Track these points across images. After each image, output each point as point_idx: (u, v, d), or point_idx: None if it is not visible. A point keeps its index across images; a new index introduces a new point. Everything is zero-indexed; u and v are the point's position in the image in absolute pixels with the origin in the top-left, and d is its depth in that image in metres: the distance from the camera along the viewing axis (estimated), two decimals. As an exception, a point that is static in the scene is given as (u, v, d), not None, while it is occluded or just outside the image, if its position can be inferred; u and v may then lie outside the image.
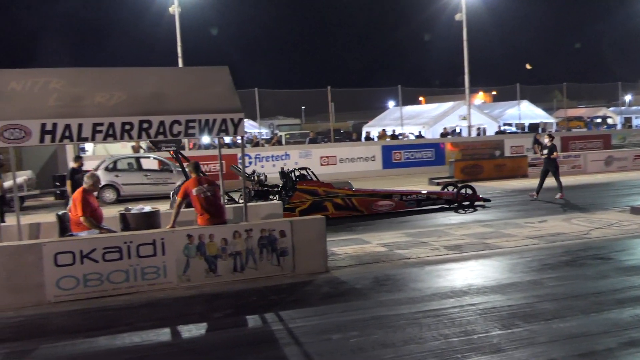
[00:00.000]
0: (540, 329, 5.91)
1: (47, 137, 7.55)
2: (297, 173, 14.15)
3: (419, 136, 31.56)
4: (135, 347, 5.94)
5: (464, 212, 14.00)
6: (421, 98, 50.49)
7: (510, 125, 39.99)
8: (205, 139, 26.44)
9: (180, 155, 12.82)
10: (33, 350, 5.97)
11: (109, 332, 6.33)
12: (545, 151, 15.57)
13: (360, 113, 47.44)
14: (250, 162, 23.55)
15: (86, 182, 8.49)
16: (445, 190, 15.34)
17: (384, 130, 31.43)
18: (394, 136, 30.23)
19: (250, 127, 36.53)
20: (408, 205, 14.11)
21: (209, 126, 8.12)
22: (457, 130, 34.64)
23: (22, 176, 17.63)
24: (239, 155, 21.84)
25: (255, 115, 27.55)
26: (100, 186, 16.80)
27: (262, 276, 8.17)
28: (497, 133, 34.53)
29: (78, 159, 14.89)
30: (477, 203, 14.75)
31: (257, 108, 26.21)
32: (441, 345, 5.56)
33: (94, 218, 8.34)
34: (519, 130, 36.98)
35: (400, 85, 29.83)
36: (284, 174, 14.19)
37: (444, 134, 30.97)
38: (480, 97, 54.85)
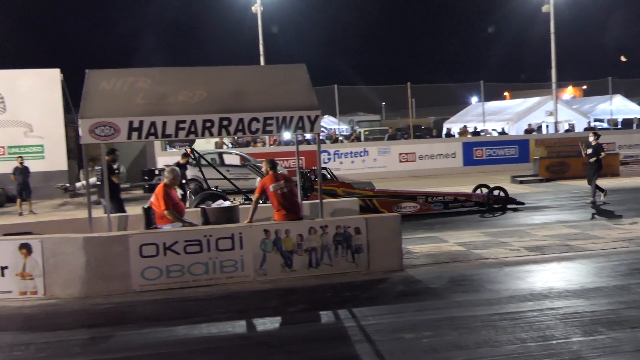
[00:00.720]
0: (625, 337, 5.62)
1: (134, 134, 7.93)
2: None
3: (502, 133, 30.62)
4: (212, 338, 6.15)
5: (491, 215, 13.36)
6: (506, 93, 48.93)
7: (601, 121, 37.98)
8: (286, 135, 26.88)
9: (196, 154, 13.03)
10: (119, 336, 6.31)
11: (188, 322, 6.59)
12: (590, 151, 14.57)
13: (442, 109, 46.57)
14: (329, 159, 23.70)
15: (167, 177, 8.85)
16: (478, 192, 14.46)
17: (465, 126, 30.71)
18: (475, 133, 29.51)
19: (330, 123, 36.77)
20: (433, 207, 13.41)
21: (286, 123, 8.26)
22: (544, 127, 33.32)
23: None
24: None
25: (335, 111, 27.67)
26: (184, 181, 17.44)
27: (336, 272, 8.22)
28: (586, 129, 32.95)
29: (185, 155, 15.75)
30: (509, 206, 13.91)
31: (336, 104, 26.31)
32: (517, 349, 5.40)
33: (175, 211, 8.68)
34: (611, 127, 35.09)
35: (482, 81, 29.06)
36: (302, 174, 14.24)
37: (528, 131, 29.89)
38: (569, 92, 52.40)
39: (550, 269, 8.29)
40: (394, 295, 7.41)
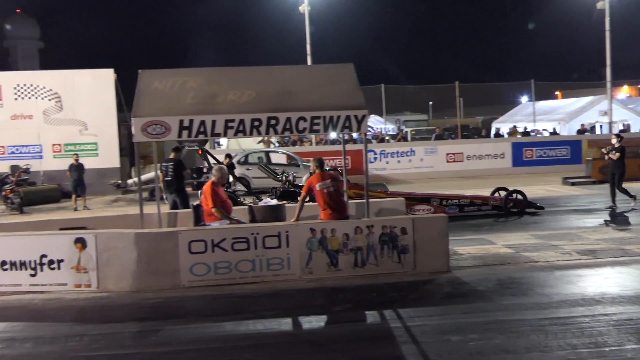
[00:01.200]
0: (683, 346, 5.42)
1: (185, 133, 8.10)
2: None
3: (554, 133, 29.89)
4: (258, 334, 6.22)
5: (505, 219, 12.95)
6: (557, 92, 47.69)
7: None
8: (333, 135, 26.92)
9: (208, 154, 13.15)
10: (168, 330, 6.46)
11: (235, 318, 6.70)
12: (612, 153, 13.92)
13: (490, 108, 45.76)
14: (375, 158, 23.65)
15: (214, 175, 9.00)
16: (496, 195, 13.96)
17: (515, 126, 30.12)
18: (525, 133, 28.89)
19: (376, 122, 36.64)
20: (448, 211, 12.87)
21: (333, 123, 8.29)
22: (597, 127, 32.35)
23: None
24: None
25: (382, 111, 27.57)
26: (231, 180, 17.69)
27: (382, 272, 8.20)
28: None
29: (228, 156, 16.17)
30: (528, 210, 13.42)
31: (383, 104, 26.21)
32: (568, 355, 5.27)
33: (226, 208, 8.82)
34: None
35: (533, 80, 28.46)
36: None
37: (581, 131, 29.09)
38: (624, 91, 50.69)
39: (603, 274, 8.05)
40: (441, 297, 7.34)
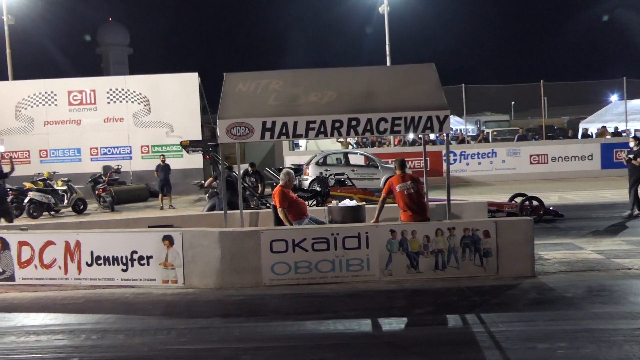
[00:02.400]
0: None
1: (267, 134, 8.27)
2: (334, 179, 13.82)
3: (647, 133, 28.24)
4: (338, 334, 6.26)
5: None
6: (651, 90, 45.02)
7: None
8: (411, 136, 26.65)
9: (217, 158, 13.07)
10: (250, 327, 6.60)
11: (316, 318, 6.76)
12: (632, 156, 12.89)
13: (577, 108, 43.86)
14: (455, 160, 23.22)
15: (282, 179, 9.22)
16: (513, 202, 13.19)
17: (604, 126, 28.70)
18: (616, 133, 27.47)
19: (456, 123, 35.91)
20: None
21: (414, 123, 8.21)
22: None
23: (245, 168, 19.49)
24: (444, 152, 21.66)
25: (462, 111, 27.01)
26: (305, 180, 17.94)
27: (463, 276, 8.04)
28: None
29: (252, 165, 16.83)
30: (546, 217, 12.60)
31: (463, 104, 25.66)
32: (666, 368, 4.99)
33: (293, 210, 8.99)
34: None
35: (625, 77, 27.01)
36: (320, 180, 13.85)
37: (678, 131, 27.36)
38: None
39: None
40: (526, 303, 7.11)
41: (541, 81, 25.63)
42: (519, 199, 13.30)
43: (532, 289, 7.56)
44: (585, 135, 30.53)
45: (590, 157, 23.37)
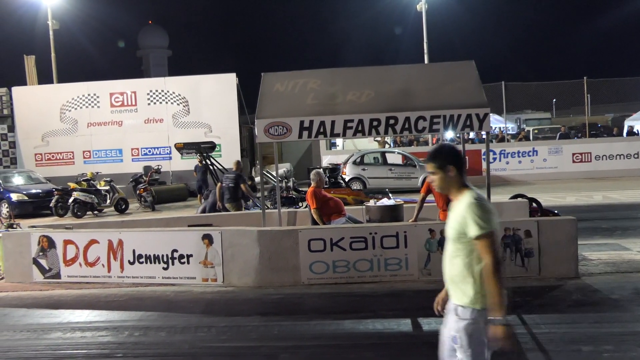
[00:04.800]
0: None
1: (305, 133, 8.29)
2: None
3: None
4: (377, 334, 6.23)
5: None
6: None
7: None
8: (449, 134, 26.34)
9: (210, 161, 12.88)
10: (289, 326, 6.63)
11: (354, 317, 6.74)
12: None
13: (623, 105, 42.62)
14: (494, 158, 22.86)
15: (313, 180, 9.27)
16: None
17: (650, 124, 27.87)
18: (663, 131, 26.63)
19: (496, 121, 35.32)
20: None
21: (453, 122, 8.11)
22: None
23: (283, 168, 19.63)
24: (483, 150, 21.36)
25: (502, 109, 26.58)
26: (349, 179, 17.93)
27: (504, 276, 7.88)
28: None
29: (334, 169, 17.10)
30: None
31: (503, 102, 25.25)
32: None
33: (328, 209, 9.06)
34: None
35: (673, 73, 26.15)
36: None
37: None
38: None
39: None
40: (569, 304, 6.94)
41: (584, 78, 25.03)
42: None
43: (575, 291, 7.38)
44: (631, 133, 29.68)
45: (636, 156, 22.71)
